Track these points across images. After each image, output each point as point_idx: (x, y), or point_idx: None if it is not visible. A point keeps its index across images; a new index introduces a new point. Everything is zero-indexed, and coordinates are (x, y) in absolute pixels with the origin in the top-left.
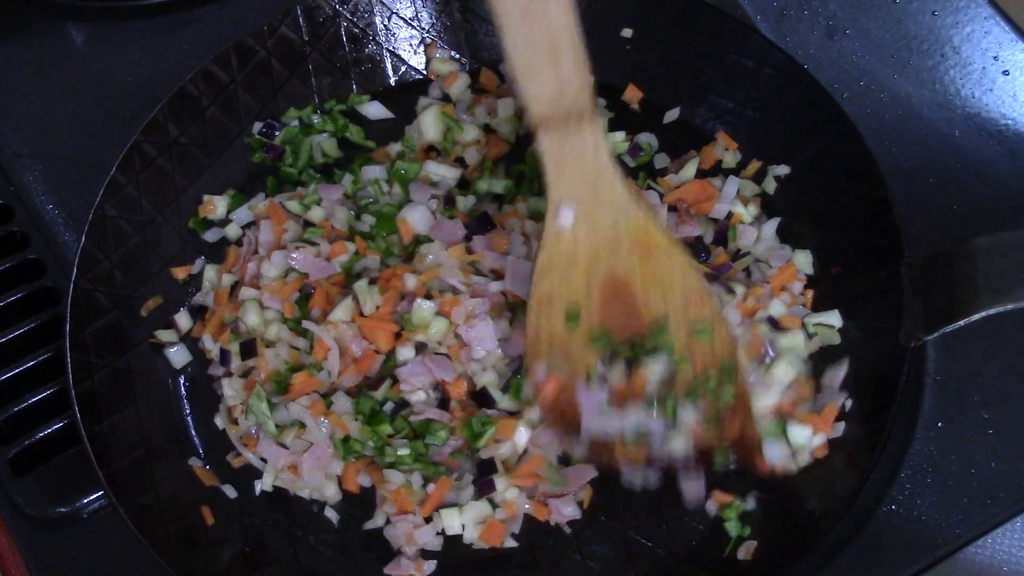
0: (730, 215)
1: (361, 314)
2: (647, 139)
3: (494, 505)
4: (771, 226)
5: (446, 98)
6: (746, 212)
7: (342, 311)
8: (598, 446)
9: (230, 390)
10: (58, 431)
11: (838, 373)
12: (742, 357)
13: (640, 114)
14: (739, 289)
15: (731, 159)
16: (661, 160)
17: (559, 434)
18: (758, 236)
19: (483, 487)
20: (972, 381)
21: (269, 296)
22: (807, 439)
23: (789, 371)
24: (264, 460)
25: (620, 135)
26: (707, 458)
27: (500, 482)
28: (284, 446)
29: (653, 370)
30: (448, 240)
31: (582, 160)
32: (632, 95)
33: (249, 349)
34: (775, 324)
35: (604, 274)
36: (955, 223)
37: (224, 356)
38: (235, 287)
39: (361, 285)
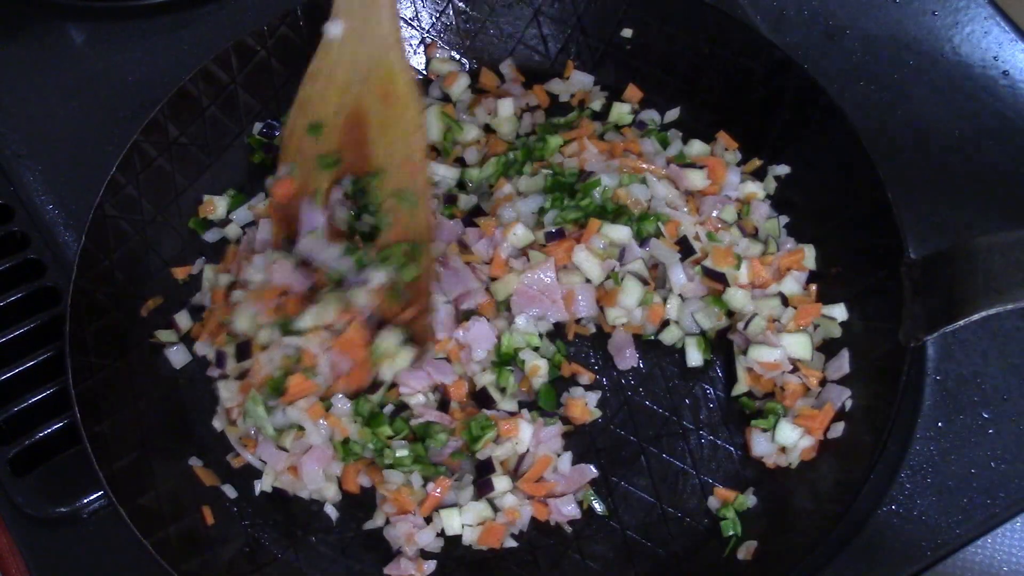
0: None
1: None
2: (651, 116)
3: (495, 508)
4: (783, 219)
5: (446, 98)
6: (760, 188)
7: (310, 318)
8: (306, 266)
9: (226, 392)
10: (58, 431)
11: (841, 364)
12: (433, 254)
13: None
14: (755, 248)
15: (731, 159)
16: (672, 136)
17: (277, 238)
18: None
19: (481, 487)
20: (972, 381)
21: (251, 301)
22: (795, 441)
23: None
24: (263, 461)
25: (626, 107)
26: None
27: (500, 481)
28: (284, 448)
29: (363, 218)
30: (448, 239)
31: None
32: (632, 95)
33: (244, 351)
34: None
35: (351, 104)
36: (955, 223)
37: (220, 358)
38: (232, 287)
39: (323, 307)
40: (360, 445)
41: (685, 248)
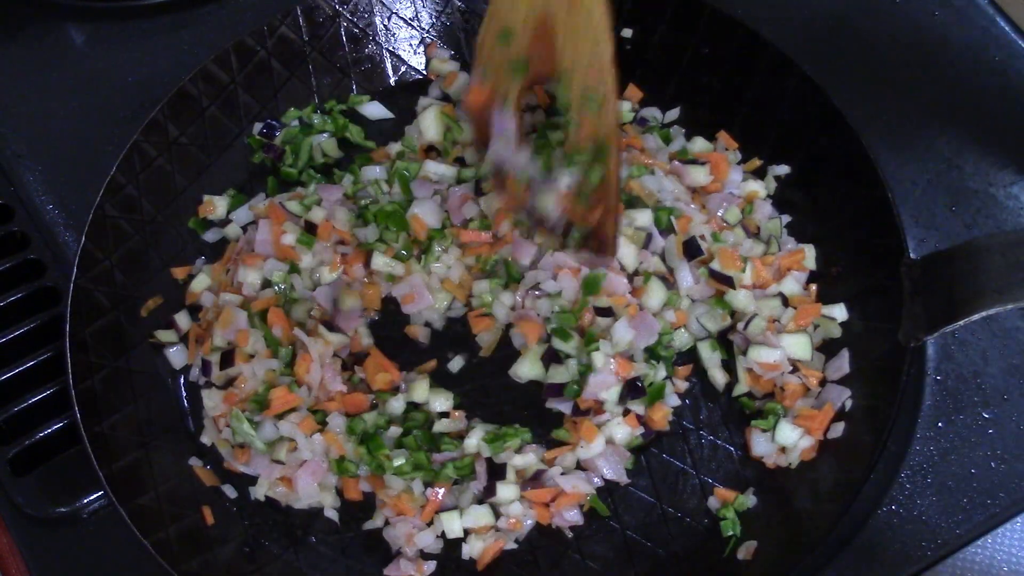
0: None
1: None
2: (652, 113)
3: (496, 514)
4: (784, 219)
5: (446, 98)
6: (762, 187)
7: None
8: (499, 174)
9: (210, 401)
10: (58, 431)
11: (841, 364)
12: (616, 153)
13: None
14: (757, 248)
15: (731, 159)
16: (675, 132)
17: (475, 140)
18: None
19: (486, 490)
20: (972, 381)
21: (239, 307)
22: (794, 441)
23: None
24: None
25: (627, 105)
26: (568, 232)
27: (506, 490)
28: (279, 461)
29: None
30: (463, 218)
31: None
32: (632, 95)
33: (228, 359)
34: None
35: (539, 11)
36: (956, 223)
37: (205, 366)
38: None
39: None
40: (355, 464)
41: (692, 249)
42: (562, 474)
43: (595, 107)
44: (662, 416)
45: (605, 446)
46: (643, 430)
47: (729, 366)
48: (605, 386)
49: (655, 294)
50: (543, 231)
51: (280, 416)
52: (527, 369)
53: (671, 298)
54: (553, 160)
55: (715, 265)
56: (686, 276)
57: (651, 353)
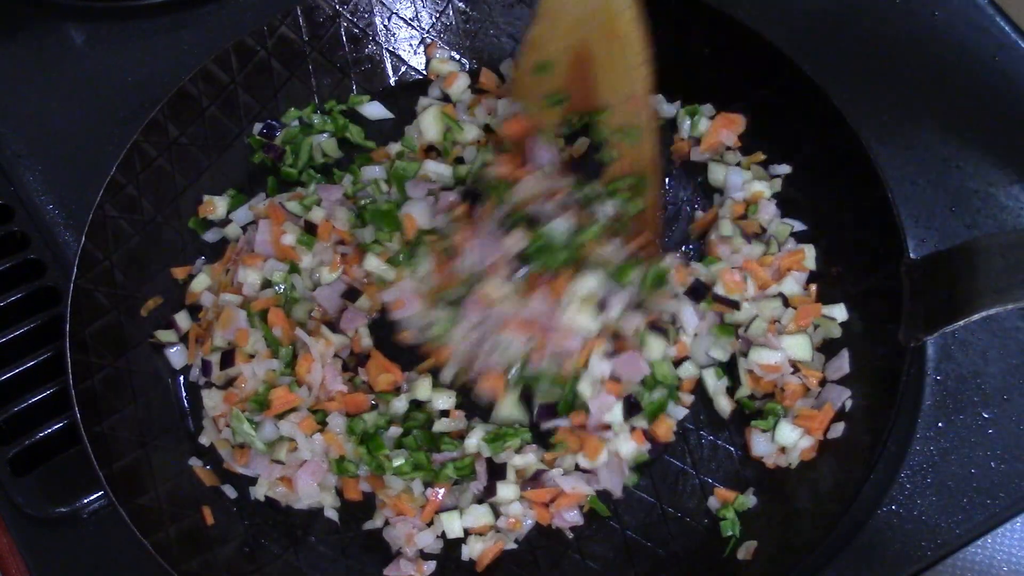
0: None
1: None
2: (653, 101)
3: (496, 514)
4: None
5: (446, 98)
6: (767, 187)
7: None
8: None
9: (210, 401)
10: (58, 431)
11: (841, 364)
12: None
13: None
14: (756, 250)
15: (732, 158)
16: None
17: (511, 158)
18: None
19: (486, 490)
20: (972, 381)
21: (238, 306)
22: (794, 441)
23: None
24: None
25: None
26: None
27: (506, 489)
28: (279, 461)
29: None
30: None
31: None
32: None
33: (228, 359)
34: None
35: (577, 44)
36: (956, 223)
37: (205, 366)
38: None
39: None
40: (355, 464)
41: (697, 291)
42: (563, 475)
43: (633, 140)
44: (666, 429)
45: (609, 458)
46: (650, 445)
47: (731, 371)
48: (607, 408)
49: (655, 347)
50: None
51: (280, 416)
52: (508, 412)
53: (671, 335)
54: (592, 193)
55: (719, 290)
56: (691, 318)
57: (644, 383)
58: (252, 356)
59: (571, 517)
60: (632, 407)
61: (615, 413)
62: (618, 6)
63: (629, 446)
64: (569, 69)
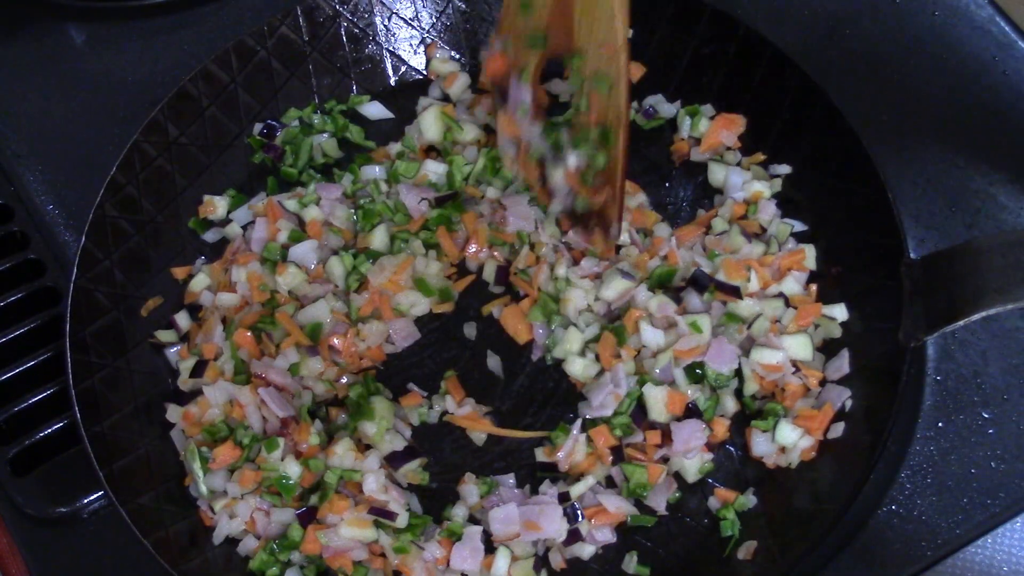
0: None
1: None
2: (654, 101)
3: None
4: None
5: (446, 98)
6: (767, 187)
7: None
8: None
9: (173, 415)
10: (58, 431)
11: (841, 364)
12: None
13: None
14: (757, 249)
15: (732, 158)
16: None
17: (496, 104)
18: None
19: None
20: (972, 381)
21: (225, 315)
22: (794, 441)
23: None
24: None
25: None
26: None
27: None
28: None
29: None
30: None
31: None
32: (635, 72)
33: (200, 369)
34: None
35: None
36: (956, 223)
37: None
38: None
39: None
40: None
41: (699, 282)
42: (596, 494)
43: (605, 88)
44: (724, 428)
45: (665, 478)
46: (712, 455)
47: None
48: (695, 433)
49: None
50: (546, 195)
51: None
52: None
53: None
54: (562, 140)
55: (720, 276)
56: (693, 300)
57: (694, 378)
58: (222, 373)
59: (602, 536)
60: (693, 412)
61: (697, 436)
62: None
63: (694, 462)
64: (551, 10)
